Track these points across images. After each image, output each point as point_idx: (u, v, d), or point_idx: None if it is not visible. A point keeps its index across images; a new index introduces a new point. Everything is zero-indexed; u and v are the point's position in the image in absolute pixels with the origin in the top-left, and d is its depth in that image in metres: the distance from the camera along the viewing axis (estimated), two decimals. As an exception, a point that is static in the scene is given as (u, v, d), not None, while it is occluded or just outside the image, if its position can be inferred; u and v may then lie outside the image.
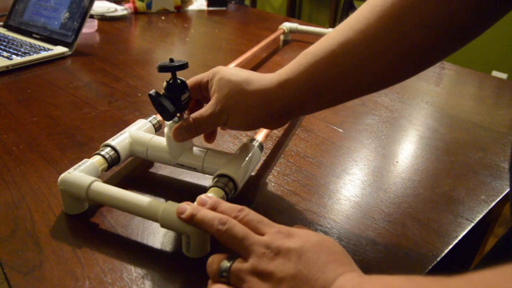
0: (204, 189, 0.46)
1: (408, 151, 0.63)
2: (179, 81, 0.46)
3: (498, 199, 0.53)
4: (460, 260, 0.69)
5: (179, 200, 0.41)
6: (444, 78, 0.97)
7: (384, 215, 0.49)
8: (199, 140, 0.59)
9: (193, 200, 0.41)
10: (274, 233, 0.36)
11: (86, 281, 0.38)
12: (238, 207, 0.38)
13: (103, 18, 1.27)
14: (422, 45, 0.39)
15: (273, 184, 0.54)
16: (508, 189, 0.55)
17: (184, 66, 0.44)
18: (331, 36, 0.42)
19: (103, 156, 0.49)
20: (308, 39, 1.17)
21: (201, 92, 0.49)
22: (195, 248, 0.41)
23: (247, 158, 0.49)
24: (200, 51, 1.10)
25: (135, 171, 0.55)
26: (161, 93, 0.45)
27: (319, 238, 0.35)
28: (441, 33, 0.39)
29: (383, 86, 0.45)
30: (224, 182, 0.45)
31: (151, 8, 1.40)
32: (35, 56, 0.88)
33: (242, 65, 0.90)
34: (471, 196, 0.53)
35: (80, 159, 0.48)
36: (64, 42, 0.97)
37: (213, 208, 0.39)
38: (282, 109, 0.44)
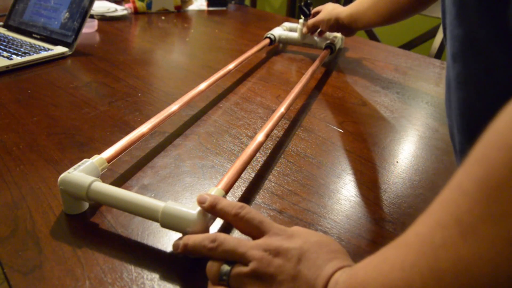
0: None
1: (408, 151, 0.63)
2: (309, 1, 1.01)
3: (498, 199, 0.53)
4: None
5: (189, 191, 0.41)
6: (444, 78, 0.97)
7: (384, 215, 0.49)
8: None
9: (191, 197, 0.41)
10: (273, 234, 0.36)
11: (86, 281, 0.38)
12: (238, 204, 0.38)
13: (103, 18, 1.27)
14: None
15: (273, 184, 0.54)
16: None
17: None
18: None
19: (269, 37, 1.05)
20: (308, 39, 1.17)
21: (316, 28, 1.00)
22: (195, 248, 0.41)
23: (337, 38, 1.03)
24: (200, 51, 1.10)
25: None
26: (302, 6, 1.00)
27: (318, 238, 0.35)
28: None
29: (392, 21, 0.82)
30: (331, 44, 0.99)
31: (151, 8, 1.40)
32: (35, 56, 0.88)
33: (243, 65, 0.90)
34: (471, 196, 0.53)
35: (80, 159, 0.48)
36: (64, 42, 0.96)
37: (213, 206, 0.39)
38: (347, 20, 0.90)
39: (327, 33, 1.03)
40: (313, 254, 0.33)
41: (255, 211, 0.38)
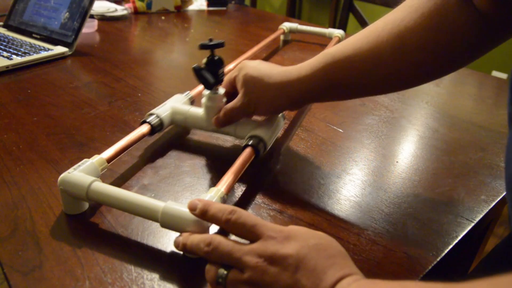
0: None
1: (408, 151, 0.63)
2: (216, 57, 0.54)
3: (498, 199, 0.53)
4: (460, 260, 0.69)
5: (186, 194, 0.41)
6: (444, 78, 0.97)
7: (384, 215, 0.49)
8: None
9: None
10: (268, 237, 0.34)
11: (86, 281, 0.38)
12: (229, 208, 0.37)
13: (103, 18, 1.27)
14: (419, 64, 0.46)
15: (273, 184, 0.54)
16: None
17: (221, 44, 0.54)
18: (349, 42, 0.49)
19: (149, 122, 0.57)
20: (308, 39, 1.17)
21: (233, 86, 0.57)
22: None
23: (274, 123, 0.57)
24: (200, 51, 1.10)
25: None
26: (202, 67, 0.54)
27: (316, 241, 0.34)
28: (437, 57, 0.46)
29: (382, 92, 0.54)
30: (256, 141, 0.53)
31: (151, 8, 1.40)
32: (35, 56, 0.88)
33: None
34: (471, 196, 0.53)
35: (80, 159, 0.48)
36: (64, 42, 0.97)
37: (204, 212, 0.38)
38: (300, 98, 0.53)
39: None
40: (311, 260, 0.32)
41: (247, 214, 0.37)
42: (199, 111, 0.59)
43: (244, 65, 0.55)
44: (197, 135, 0.65)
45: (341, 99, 0.57)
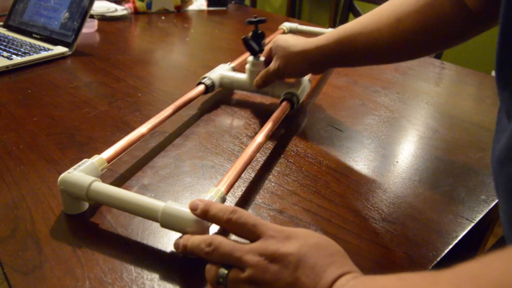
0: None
1: (408, 151, 0.63)
2: (260, 31, 0.70)
3: (498, 199, 0.53)
4: (460, 261, 0.69)
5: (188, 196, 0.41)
6: (444, 78, 0.97)
7: (384, 215, 0.49)
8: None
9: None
10: (268, 237, 0.35)
11: (86, 281, 0.38)
12: (230, 208, 0.37)
13: (103, 18, 1.27)
14: (411, 42, 0.57)
15: (273, 184, 0.54)
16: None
17: (263, 21, 0.69)
18: (358, 20, 0.61)
19: (204, 83, 0.71)
20: (308, 39, 1.17)
21: (270, 56, 0.71)
22: (195, 248, 0.40)
23: (302, 84, 0.71)
24: (200, 51, 1.10)
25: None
26: (249, 38, 0.69)
27: (316, 240, 0.34)
28: (426, 39, 0.56)
29: (383, 62, 0.66)
30: (291, 96, 0.67)
31: (151, 8, 1.40)
32: (35, 56, 0.88)
33: (242, 65, 0.90)
34: (471, 196, 0.53)
35: (80, 159, 0.48)
36: (64, 42, 0.97)
37: (205, 212, 0.38)
38: (317, 63, 0.65)
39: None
40: (311, 259, 0.32)
41: (248, 214, 0.37)
42: (242, 75, 0.74)
43: (277, 38, 0.69)
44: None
45: (351, 65, 0.75)
